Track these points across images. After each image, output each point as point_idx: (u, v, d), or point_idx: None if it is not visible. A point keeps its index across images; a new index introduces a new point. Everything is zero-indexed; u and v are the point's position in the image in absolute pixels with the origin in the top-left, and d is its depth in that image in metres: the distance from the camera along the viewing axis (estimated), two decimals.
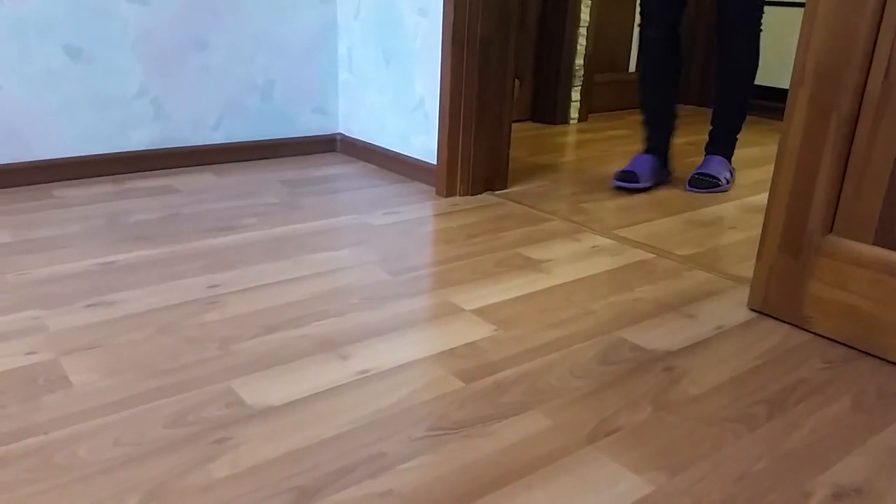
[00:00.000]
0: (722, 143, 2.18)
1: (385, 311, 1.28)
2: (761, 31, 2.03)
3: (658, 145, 2.17)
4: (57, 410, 0.95)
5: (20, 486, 0.81)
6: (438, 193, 2.00)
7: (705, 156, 2.21)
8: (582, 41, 3.04)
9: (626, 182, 2.08)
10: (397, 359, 1.12)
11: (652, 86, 2.13)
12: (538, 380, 1.07)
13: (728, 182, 2.15)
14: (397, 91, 2.15)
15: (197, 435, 0.91)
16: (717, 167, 2.14)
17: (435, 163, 2.02)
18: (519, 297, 1.36)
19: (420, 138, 2.09)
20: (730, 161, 2.20)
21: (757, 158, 2.59)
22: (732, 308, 1.35)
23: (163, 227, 1.65)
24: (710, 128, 2.19)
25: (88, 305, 1.25)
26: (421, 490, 0.83)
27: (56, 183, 1.95)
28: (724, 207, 1.99)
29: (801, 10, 3.03)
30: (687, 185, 2.14)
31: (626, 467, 0.89)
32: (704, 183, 2.11)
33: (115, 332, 1.17)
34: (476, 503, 0.82)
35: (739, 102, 2.13)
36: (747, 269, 1.51)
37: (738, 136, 2.20)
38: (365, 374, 1.07)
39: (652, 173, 2.12)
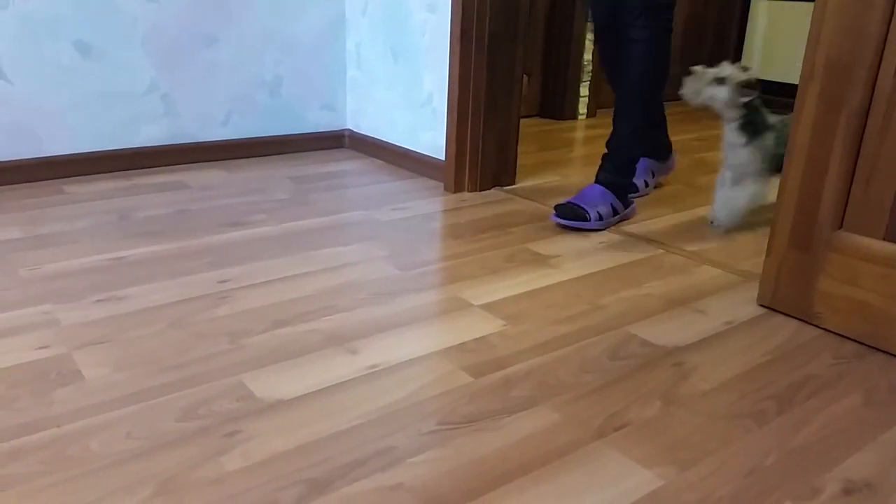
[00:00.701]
0: (609, 169, 1.75)
1: (394, 306, 1.28)
2: (671, 26, 1.67)
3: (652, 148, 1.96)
4: (69, 404, 0.96)
5: (34, 478, 0.82)
6: (447, 189, 2.00)
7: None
8: (590, 36, 3.03)
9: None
10: (406, 353, 1.12)
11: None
12: (547, 375, 1.08)
13: (603, 218, 1.70)
14: (405, 87, 2.15)
15: (208, 428, 0.92)
16: (592, 197, 1.72)
17: (443, 158, 2.02)
18: (528, 292, 1.36)
19: (428, 134, 2.10)
20: (622, 194, 1.75)
21: None
22: (742, 304, 1.35)
23: (172, 223, 1.66)
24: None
25: (99, 300, 1.26)
26: (430, 484, 0.84)
27: (66, 179, 1.96)
28: None
29: (811, 5, 3.03)
30: (552, 213, 1.74)
31: (636, 462, 0.89)
32: (569, 214, 1.69)
33: (126, 327, 1.17)
34: (485, 497, 0.82)
35: (630, 115, 1.72)
36: (756, 264, 1.50)
37: (634, 161, 1.77)
38: (374, 369, 1.07)
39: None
